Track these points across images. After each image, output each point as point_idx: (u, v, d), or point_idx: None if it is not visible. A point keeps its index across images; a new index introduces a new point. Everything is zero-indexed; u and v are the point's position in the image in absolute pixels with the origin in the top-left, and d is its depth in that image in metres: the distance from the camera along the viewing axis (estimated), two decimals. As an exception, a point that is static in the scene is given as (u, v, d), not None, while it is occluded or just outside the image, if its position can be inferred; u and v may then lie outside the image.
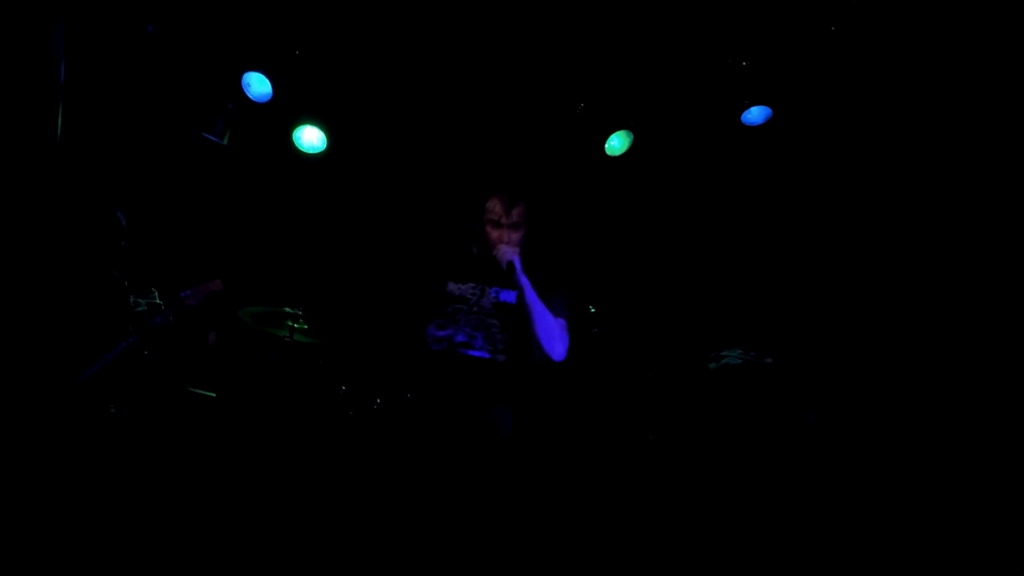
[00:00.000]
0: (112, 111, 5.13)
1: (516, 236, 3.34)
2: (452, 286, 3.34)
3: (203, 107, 5.21)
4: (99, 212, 4.05)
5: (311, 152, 5.40)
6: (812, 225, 5.39)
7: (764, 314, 5.42)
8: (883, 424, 4.56)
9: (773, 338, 5.10)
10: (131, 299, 4.39)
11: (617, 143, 5.39)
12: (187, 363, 5.05)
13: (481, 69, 5.18)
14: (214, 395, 4.76)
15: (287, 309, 4.85)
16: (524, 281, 3.16)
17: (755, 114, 5.18)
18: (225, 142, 5.26)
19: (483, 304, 3.31)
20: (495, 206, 3.36)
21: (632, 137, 5.39)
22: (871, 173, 5.18)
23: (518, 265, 3.19)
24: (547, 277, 3.36)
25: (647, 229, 6.01)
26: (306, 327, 4.94)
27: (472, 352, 3.24)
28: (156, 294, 4.60)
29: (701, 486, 4.76)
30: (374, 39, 5.04)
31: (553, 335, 3.19)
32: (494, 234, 3.32)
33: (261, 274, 5.59)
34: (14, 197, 3.84)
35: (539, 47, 5.02)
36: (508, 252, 3.22)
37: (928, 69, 4.75)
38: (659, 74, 5.24)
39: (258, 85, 5.07)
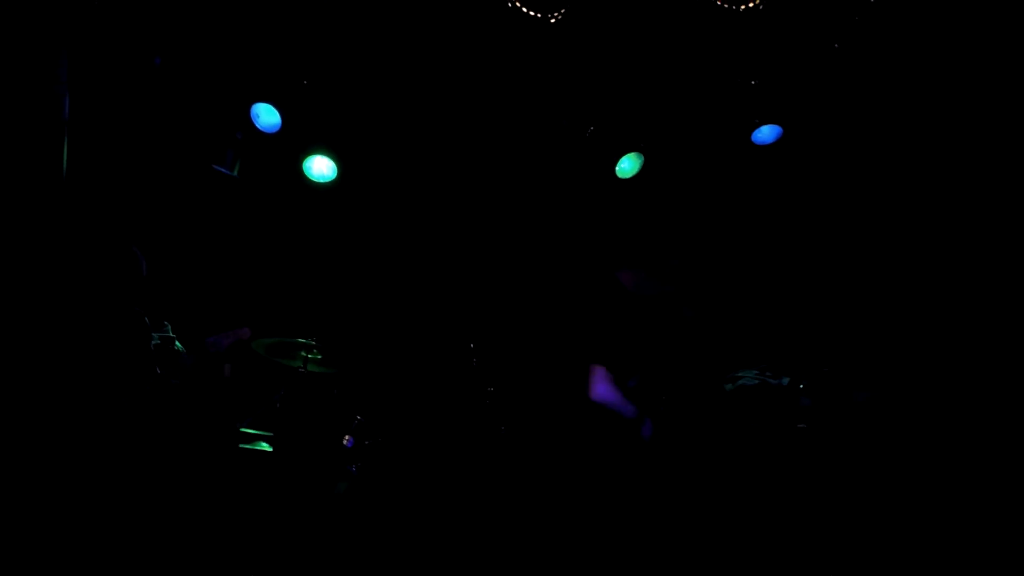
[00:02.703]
0: (120, 145, 5.13)
1: None
2: None
3: (212, 139, 5.21)
4: (119, 251, 4.01)
5: (321, 181, 5.38)
6: (826, 243, 5.38)
7: (780, 335, 5.39)
8: (901, 439, 4.53)
9: (789, 359, 5.07)
10: (144, 333, 4.35)
11: (628, 165, 5.38)
12: (204, 397, 5.01)
13: (491, 95, 5.18)
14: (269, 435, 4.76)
15: (300, 340, 4.81)
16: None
17: (765, 133, 5.18)
18: (235, 173, 5.25)
19: None
20: None
21: (642, 159, 5.38)
22: (884, 188, 5.18)
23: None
24: None
25: (659, 251, 5.99)
26: (320, 357, 4.90)
27: None
28: (169, 327, 4.56)
29: (718, 508, 4.73)
30: (382, 67, 5.04)
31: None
32: None
33: (274, 305, 5.55)
34: (20, 233, 3.83)
35: (547, 72, 5.02)
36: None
37: (930, 81, 4.77)
38: (668, 95, 5.24)
39: (267, 116, 5.06)
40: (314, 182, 5.38)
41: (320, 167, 5.33)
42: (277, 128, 5.09)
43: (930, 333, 4.73)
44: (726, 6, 4.20)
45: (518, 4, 4.23)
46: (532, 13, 4.26)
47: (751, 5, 4.20)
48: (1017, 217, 4.54)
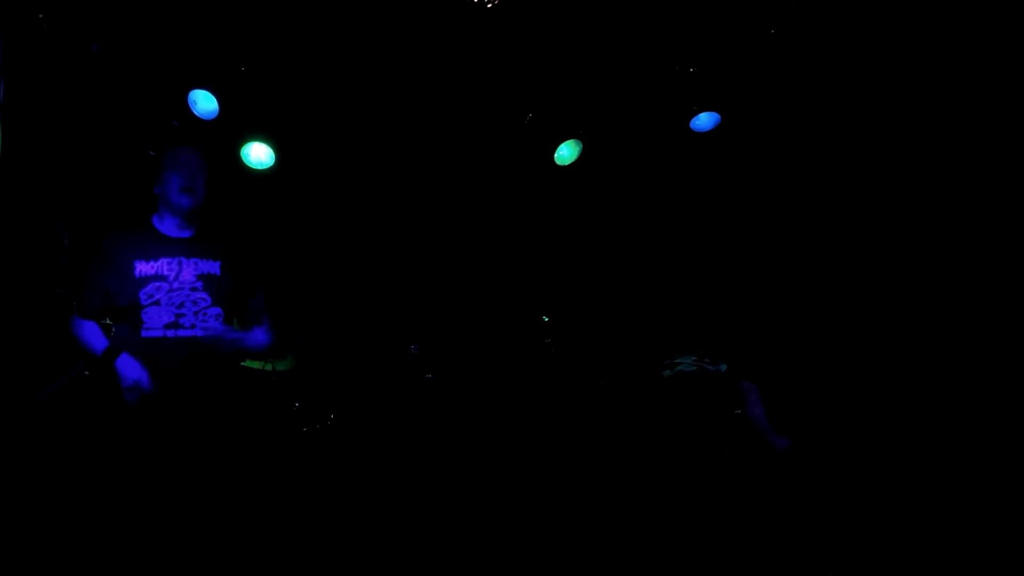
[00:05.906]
0: (56, 130, 5.08)
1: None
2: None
3: (149, 125, 5.16)
4: (39, 228, 3.97)
5: (259, 168, 5.35)
6: (763, 230, 5.41)
7: (718, 321, 5.41)
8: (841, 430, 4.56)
9: (727, 346, 5.09)
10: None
11: (566, 152, 5.39)
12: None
13: (429, 81, 5.16)
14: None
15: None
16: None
17: (703, 120, 5.20)
18: (172, 160, 5.20)
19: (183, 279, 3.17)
20: None
21: (581, 146, 5.38)
22: (822, 174, 5.20)
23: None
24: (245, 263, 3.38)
25: (599, 238, 6.01)
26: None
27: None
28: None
29: (659, 492, 4.76)
30: (320, 53, 5.01)
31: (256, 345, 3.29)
32: None
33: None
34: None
35: (486, 58, 5.02)
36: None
37: (867, 65, 4.79)
38: (607, 82, 5.24)
39: (204, 102, 5.03)
40: (252, 169, 5.36)
41: (258, 154, 5.31)
42: (214, 115, 5.05)
43: (874, 320, 4.76)
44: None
45: (453, -12, 4.22)
46: (467, -2, 4.25)
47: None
48: (962, 192, 4.57)
